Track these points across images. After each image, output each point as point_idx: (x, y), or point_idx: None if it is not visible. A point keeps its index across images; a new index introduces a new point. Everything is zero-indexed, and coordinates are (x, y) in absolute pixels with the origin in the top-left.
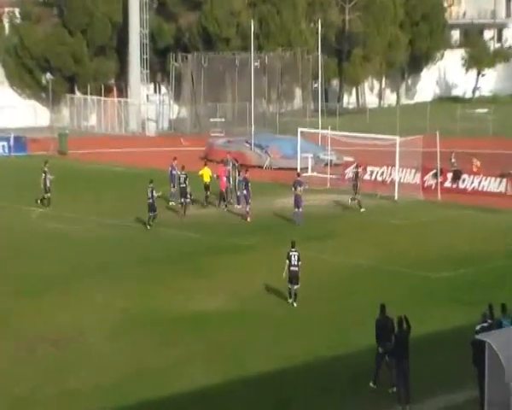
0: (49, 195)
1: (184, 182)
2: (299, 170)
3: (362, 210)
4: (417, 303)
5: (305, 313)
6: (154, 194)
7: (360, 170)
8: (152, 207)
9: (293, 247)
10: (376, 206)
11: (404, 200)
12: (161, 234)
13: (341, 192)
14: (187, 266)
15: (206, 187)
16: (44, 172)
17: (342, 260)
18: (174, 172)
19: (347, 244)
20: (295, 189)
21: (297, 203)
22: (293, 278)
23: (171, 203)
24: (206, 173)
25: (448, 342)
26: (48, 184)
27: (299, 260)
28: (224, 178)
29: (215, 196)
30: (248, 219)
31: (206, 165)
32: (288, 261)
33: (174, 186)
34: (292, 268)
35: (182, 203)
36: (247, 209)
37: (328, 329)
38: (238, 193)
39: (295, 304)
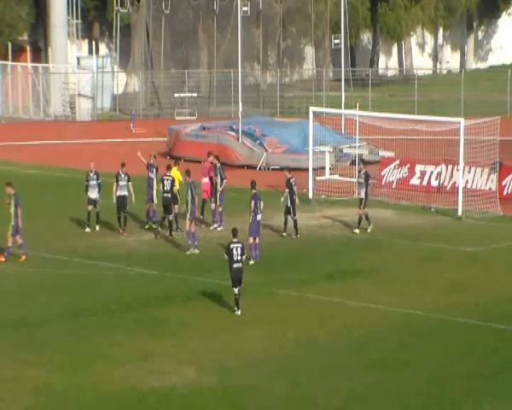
0: None
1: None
2: (310, 172)
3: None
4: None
5: (318, 390)
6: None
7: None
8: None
9: (234, 236)
10: (432, 225)
11: (473, 216)
12: (102, 270)
13: (378, 205)
14: (140, 318)
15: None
16: None
17: (383, 309)
18: (151, 174)
19: (391, 285)
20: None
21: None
22: (237, 278)
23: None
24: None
25: None
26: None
27: (242, 253)
28: (206, 179)
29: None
30: (193, 251)
31: (176, 165)
32: (226, 256)
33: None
34: (235, 265)
35: (164, 219)
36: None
37: None
38: (220, 209)
39: (239, 312)
